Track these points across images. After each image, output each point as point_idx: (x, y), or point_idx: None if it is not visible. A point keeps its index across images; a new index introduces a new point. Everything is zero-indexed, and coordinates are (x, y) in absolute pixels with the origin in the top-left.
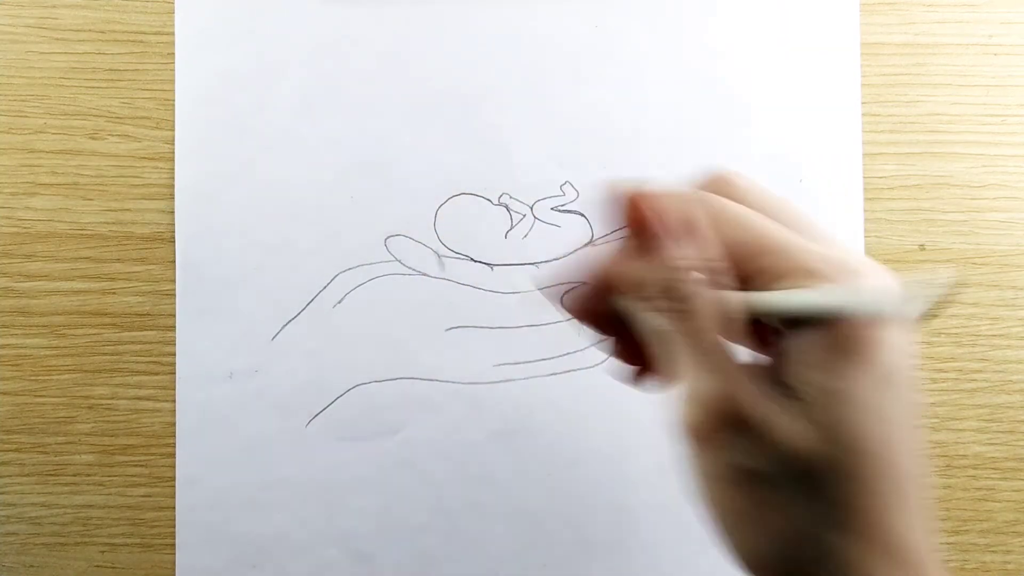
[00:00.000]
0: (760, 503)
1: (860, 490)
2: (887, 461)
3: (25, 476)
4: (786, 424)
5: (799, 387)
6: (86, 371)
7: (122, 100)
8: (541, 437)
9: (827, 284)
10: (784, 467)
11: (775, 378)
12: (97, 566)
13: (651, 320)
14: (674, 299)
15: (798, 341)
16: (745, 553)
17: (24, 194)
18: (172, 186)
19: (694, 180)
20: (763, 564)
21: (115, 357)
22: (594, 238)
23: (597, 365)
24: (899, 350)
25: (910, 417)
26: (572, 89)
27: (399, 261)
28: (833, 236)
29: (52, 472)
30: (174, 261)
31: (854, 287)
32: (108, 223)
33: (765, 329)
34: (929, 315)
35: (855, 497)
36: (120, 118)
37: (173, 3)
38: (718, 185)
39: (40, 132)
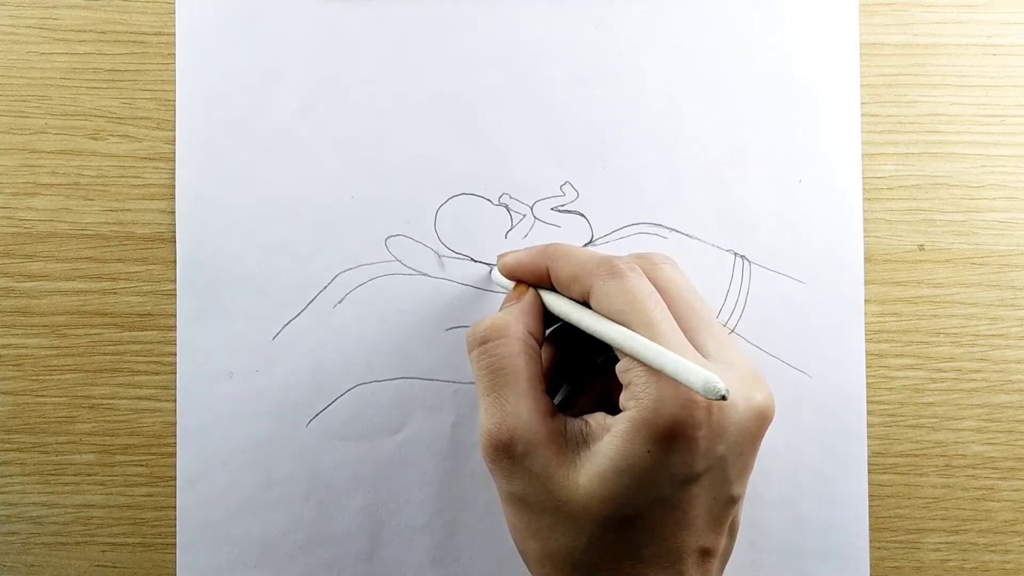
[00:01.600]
0: (527, 526)
1: (625, 546)
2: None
3: (26, 476)
4: (560, 475)
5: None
6: (87, 371)
7: (123, 101)
8: None
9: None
10: (551, 506)
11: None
12: (98, 565)
13: (469, 359)
14: (479, 343)
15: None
16: (528, 562)
17: (25, 194)
18: (173, 186)
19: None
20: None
21: (116, 357)
22: (594, 238)
23: None
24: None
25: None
26: (572, 89)
27: (399, 261)
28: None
29: (53, 472)
30: (175, 261)
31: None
32: (109, 223)
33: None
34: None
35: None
36: (121, 118)
37: (174, 4)
38: (644, 264)
39: (41, 132)
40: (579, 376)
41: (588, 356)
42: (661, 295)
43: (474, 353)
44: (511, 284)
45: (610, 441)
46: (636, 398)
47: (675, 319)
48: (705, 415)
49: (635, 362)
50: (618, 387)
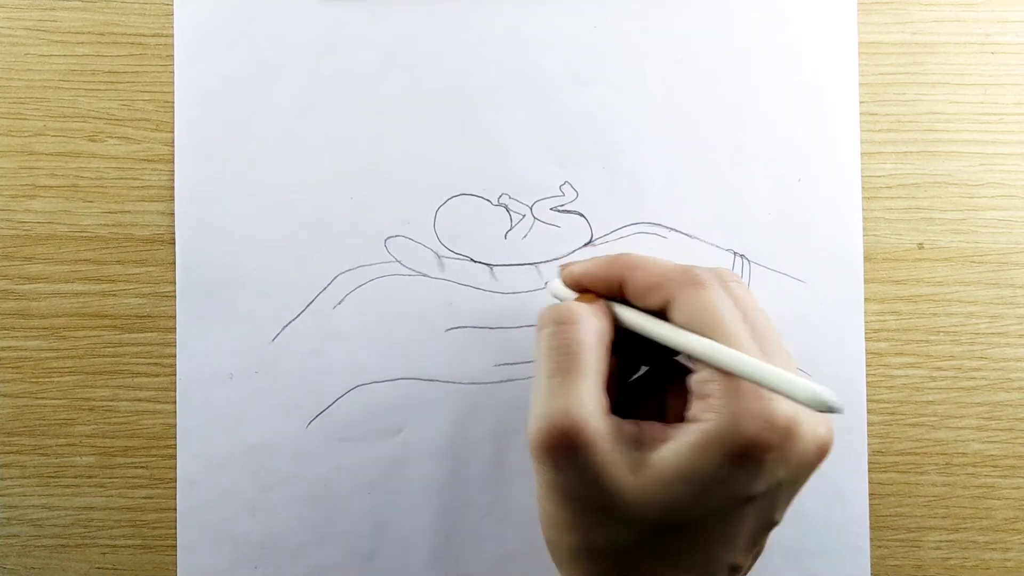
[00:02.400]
0: (575, 520)
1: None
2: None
3: (26, 478)
4: (615, 474)
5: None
6: (86, 373)
7: (121, 102)
8: None
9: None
10: (602, 504)
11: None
12: (99, 568)
13: (537, 338)
14: (555, 322)
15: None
16: (559, 552)
17: (24, 196)
18: (172, 188)
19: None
20: (572, 571)
21: (115, 359)
22: (594, 238)
23: None
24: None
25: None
26: (572, 89)
27: (399, 262)
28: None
29: (53, 474)
30: (174, 263)
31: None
32: (108, 225)
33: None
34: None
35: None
36: (119, 120)
37: (172, 5)
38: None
39: (39, 134)
40: (627, 387)
41: (636, 369)
42: None
43: (547, 331)
44: (570, 295)
45: (678, 449)
46: (714, 411)
47: None
48: (779, 439)
49: (715, 374)
50: (677, 400)
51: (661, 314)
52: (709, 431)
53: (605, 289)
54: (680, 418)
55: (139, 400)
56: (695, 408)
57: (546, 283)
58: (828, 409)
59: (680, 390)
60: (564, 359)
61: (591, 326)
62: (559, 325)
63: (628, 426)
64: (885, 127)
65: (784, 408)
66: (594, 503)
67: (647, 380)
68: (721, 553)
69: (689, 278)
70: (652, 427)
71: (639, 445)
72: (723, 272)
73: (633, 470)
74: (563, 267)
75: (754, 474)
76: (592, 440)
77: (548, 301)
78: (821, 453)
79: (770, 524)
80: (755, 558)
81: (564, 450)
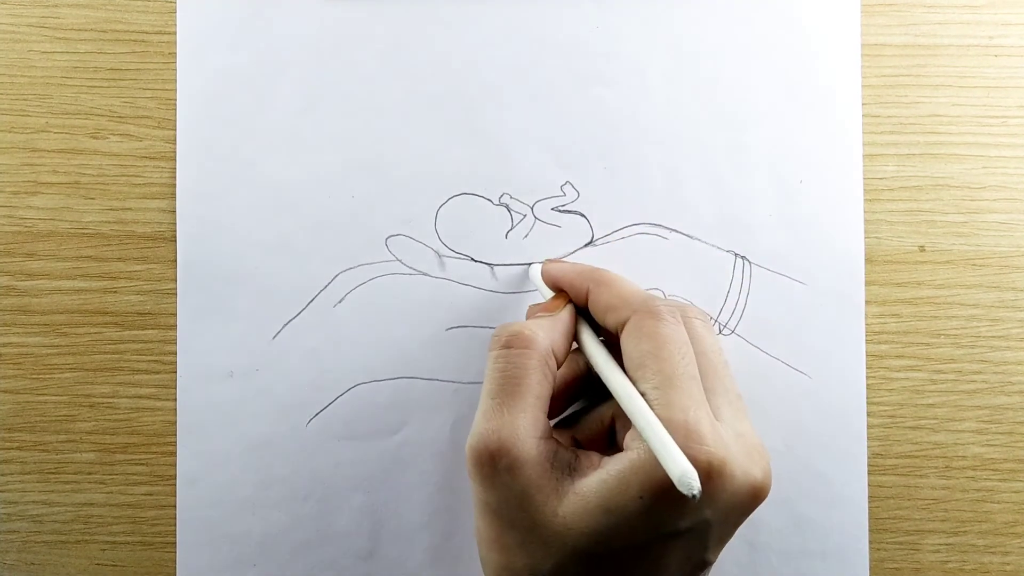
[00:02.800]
0: (500, 539)
1: None
2: None
3: (26, 474)
4: (541, 498)
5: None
6: (87, 369)
7: (124, 100)
8: None
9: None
10: (527, 526)
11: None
12: (98, 564)
13: (488, 356)
14: (503, 346)
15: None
16: (486, 570)
17: (26, 193)
18: (173, 185)
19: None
20: None
21: (116, 356)
22: (594, 238)
23: None
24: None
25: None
26: (573, 89)
27: (400, 261)
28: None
29: (53, 470)
30: (175, 260)
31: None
32: (109, 222)
33: None
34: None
35: None
36: (122, 117)
37: (175, 3)
38: (681, 314)
39: (42, 131)
40: (592, 397)
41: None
42: None
43: (493, 354)
44: (544, 289)
45: (603, 479)
46: (640, 441)
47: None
48: (704, 478)
49: None
50: (624, 423)
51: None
52: (633, 462)
53: (573, 297)
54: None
55: (139, 397)
56: (628, 436)
57: (530, 263)
58: (690, 494)
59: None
60: (506, 383)
61: (539, 350)
62: (506, 349)
63: (566, 453)
64: (887, 129)
65: (715, 448)
66: (518, 524)
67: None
68: None
69: (647, 307)
70: (590, 456)
71: (571, 472)
72: (689, 309)
73: (560, 496)
74: (547, 260)
75: (676, 511)
76: (520, 463)
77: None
78: (755, 496)
79: (702, 563)
80: None
81: (492, 469)
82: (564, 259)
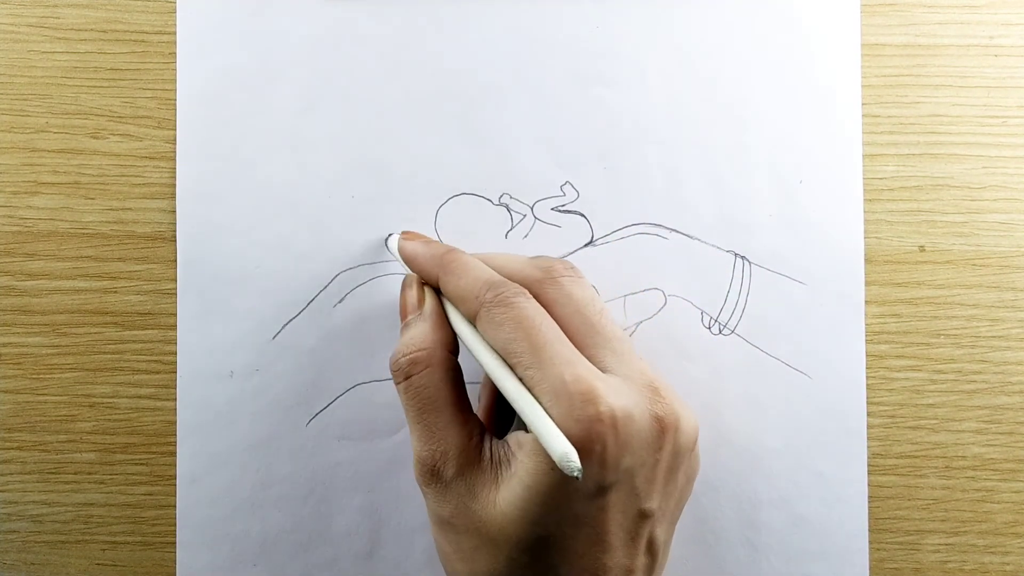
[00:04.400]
0: (452, 546)
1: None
2: None
3: (26, 474)
4: (481, 499)
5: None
6: (87, 369)
7: (124, 99)
8: None
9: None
10: (472, 528)
11: None
12: (98, 564)
13: (400, 387)
14: (404, 376)
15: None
16: None
17: (26, 193)
18: (173, 185)
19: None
20: None
21: (116, 356)
22: (594, 238)
23: None
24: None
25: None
26: (574, 89)
27: (400, 261)
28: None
29: (53, 470)
30: (175, 260)
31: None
32: (109, 222)
33: None
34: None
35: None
36: (122, 117)
37: (175, 2)
38: (543, 278)
39: (42, 131)
40: None
41: None
42: (556, 311)
43: (400, 387)
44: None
45: (521, 461)
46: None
47: (571, 335)
48: (609, 428)
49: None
50: None
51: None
52: (538, 440)
53: (427, 279)
54: None
55: (139, 397)
56: None
57: (388, 235)
58: (572, 473)
59: None
60: (421, 407)
61: (437, 362)
62: (408, 379)
63: (499, 445)
64: (887, 129)
65: (610, 401)
66: (469, 529)
67: None
68: (595, 556)
69: (492, 294)
70: (517, 439)
71: (507, 460)
72: (553, 268)
73: (498, 487)
74: (403, 234)
75: (592, 468)
76: (459, 471)
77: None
78: (662, 430)
79: (641, 514)
80: (652, 557)
81: (437, 485)
82: (417, 233)
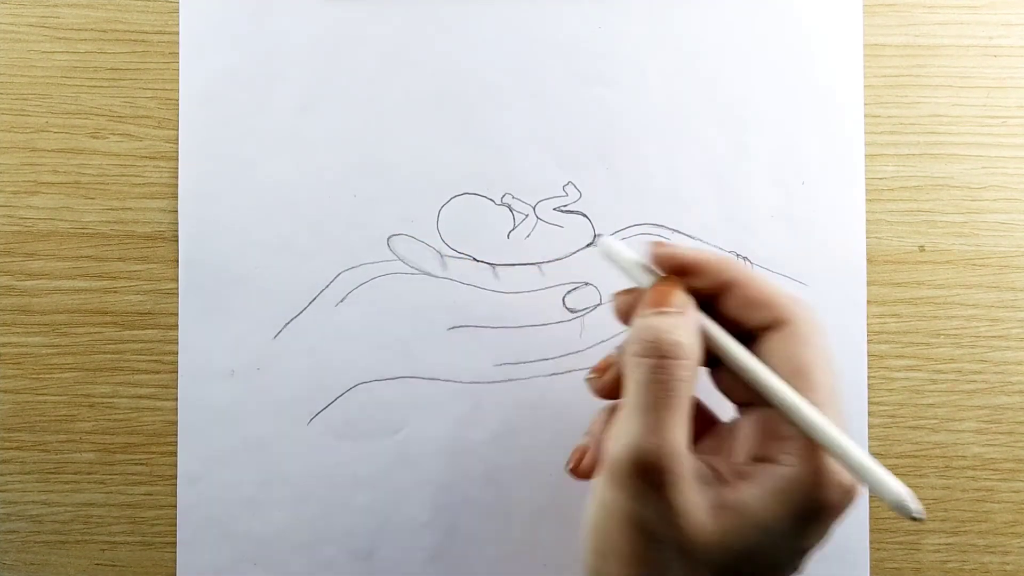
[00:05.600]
0: (641, 554)
1: None
2: None
3: (26, 474)
4: (695, 515)
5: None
6: (87, 369)
7: (124, 99)
8: (541, 437)
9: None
10: (676, 542)
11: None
12: (98, 564)
13: (631, 361)
14: (659, 355)
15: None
16: None
17: (26, 193)
18: (173, 185)
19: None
20: None
21: (116, 356)
22: (596, 239)
23: None
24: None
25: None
26: (575, 90)
27: (401, 260)
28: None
29: (53, 470)
30: (175, 260)
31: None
32: (109, 222)
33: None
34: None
35: None
36: (121, 117)
37: (175, 2)
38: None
39: (42, 131)
40: None
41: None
42: None
43: (649, 362)
44: (633, 264)
45: (758, 495)
46: (794, 456)
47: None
48: (848, 504)
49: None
50: (761, 430)
51: (748, 336)
52: (790, 480)
53: (704, 283)
54: (746, 451)
55: (139, 397)
56: (769, 447)
57: (597, 235)
58: (910, 517)
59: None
60: (663, 396)
61: (695, 361)
62: (664, 359)
63: (701, 464)
64: (887, 129)
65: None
66: (667, 540)
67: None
68: None
69: (808, 312)
70: (720, 463)
71: (715, 484)
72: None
73: (713, 512)
74: (657, 244)
75: (819, 533)
76: (679, 478)
77: (604, 249)
78: (852, 503)
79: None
80: None
81: (647, 484)
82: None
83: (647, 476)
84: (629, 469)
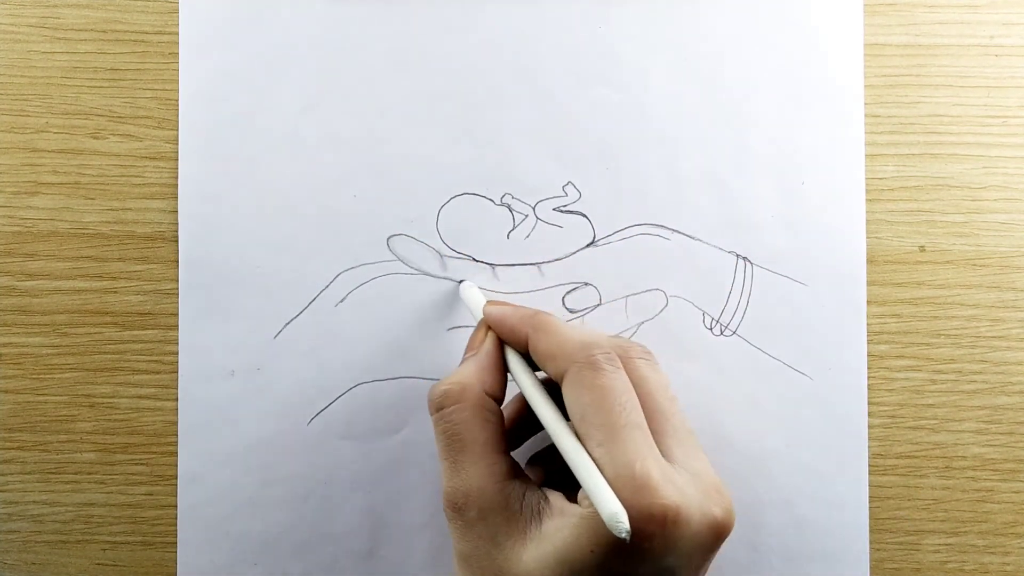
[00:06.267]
0: None
1: None
2: None
3: (27, 474)
4: (509, 547)
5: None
6: (88, 370)
7: (124, 100)
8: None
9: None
10: (491, 572)
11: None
12: (99, 564)
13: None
14: (438, 408)
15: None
16: None
17: (26, 193)
18: (173, 185)
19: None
20: None
21: (116, 356)
22: (596, 239)
23: None
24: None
25: None
26: (575, 90)
27: (401, 260)
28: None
29: (54, 470)
30: (175, 260)
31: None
32: (110, 222)
33: None
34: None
35: None
36: (122, 117)
37: (175, 2)
38: (621, 357)
39: (42, 131)
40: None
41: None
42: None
43: (433, 418)
44: (476, 306)
45: (559, 529)
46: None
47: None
48: (658, 528)
49: None
50: None
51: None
52: (583, 517)
53: (512, 340)
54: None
55: (140, 397)
56: (580, 493)
57: (460, 281)
58: (620, 535)
59: None
60: (449, 443)
61: (471, 400)
62: (440, 411)
63: (534, 495)
64: (888, 129)
65: (667, 496)
66: (487, 572)
67: None
68: None
69: (584, 356)
70: (558, 498)
71: (539, 516)
72: (631, 348)
73: (525, 542)
74: (488, 303)
75: (632, 562)
76: (485, 511)
77: (464, 295)
78: (717, 534)
79: None
80: None
81: (460, 521)
82: (503, 301)
83: (458, 514)
84: (445, 511)
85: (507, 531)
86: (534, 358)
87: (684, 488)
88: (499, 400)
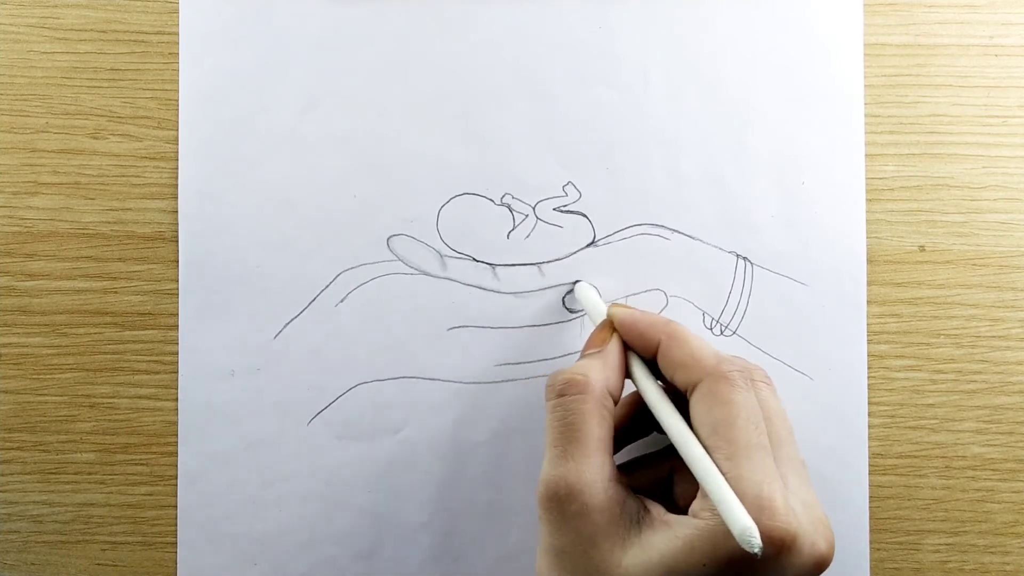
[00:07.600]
0: None
1: None
2: None
3: (26, 474)
4: (607, 548)
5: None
6: (87, 370)
7: (124, 100)
8: (541, 437)
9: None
10: (583, 571)
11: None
12: (98, 564)
13: (546, 405)
14: (559, 394)
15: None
16: None
17: (26, 193)
18: (173, 186)
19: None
20: None
21: (116, 356)
22: (596, 239)
23: None
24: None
25: None
26: (575, 90)
27: (401, 260)
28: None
29: (53, 470)
30: (175, 260)
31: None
32: (109, 222)
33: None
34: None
35: None
36: (121, 118)
37: (175, 2)
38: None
39: (42, 132)
40: (645, 432)
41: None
42: None
43: (550, 403)
44: (594, 305)
45: (669, 540)
46: (711, 511)
47: None
48: (774, 551)
49: None
50: (684, 476)
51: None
52: (700, 530)
53: (640, 345)
54: (686, 504)
55: (140, 397)
56: (698, 503)
57: (576, 282)
58: (751, 551)
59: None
60: (566, 430)
61: (594, 393)
62: (561, 397)
63: (634, 501)
64: (887, 129)
65: (782, 522)
66: (580, 569)
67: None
68: None
69: (720, 370)
70: (657, 508)
71: (638, 523)
72: (755, 372)
73: (625, 547)
74: (613, 304)
75: None
76: (588, 508)
77: (578, 296)
78: (818, 567)
79: None
80: None
81: (561, 513)
82: (629, 304)
83: (557, 505)
84: (542, 500)
85: (606, 532)
86: (662, 365)
87: (800, 516)
88: (616, 402)
